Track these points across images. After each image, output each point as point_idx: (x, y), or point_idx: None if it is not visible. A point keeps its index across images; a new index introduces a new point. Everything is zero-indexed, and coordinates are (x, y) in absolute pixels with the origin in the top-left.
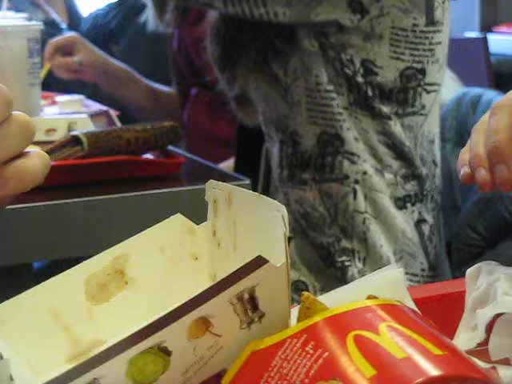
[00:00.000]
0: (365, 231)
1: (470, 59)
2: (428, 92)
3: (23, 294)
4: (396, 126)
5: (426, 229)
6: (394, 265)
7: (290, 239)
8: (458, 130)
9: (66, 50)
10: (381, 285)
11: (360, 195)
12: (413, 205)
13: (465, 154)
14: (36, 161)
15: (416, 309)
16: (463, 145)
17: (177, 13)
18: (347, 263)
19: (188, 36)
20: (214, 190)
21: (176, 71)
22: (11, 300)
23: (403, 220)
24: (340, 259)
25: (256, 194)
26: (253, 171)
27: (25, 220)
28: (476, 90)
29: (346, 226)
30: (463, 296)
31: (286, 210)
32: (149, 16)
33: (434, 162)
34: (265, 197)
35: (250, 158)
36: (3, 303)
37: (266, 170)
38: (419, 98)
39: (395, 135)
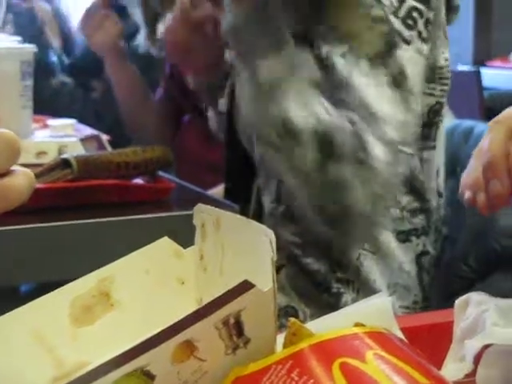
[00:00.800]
0: (358, 266)
1: (462, 92)
2: (442, 125)
3: (6, 315)
4: (413, 160)
5: (426, 261)
6: (383, 293)
7: (281, 267)
8: (450, 161)
9: None
10: (368, 313)
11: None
12: (418, 238)
13: (466, 179)
14: (21, 179)
15: (403, 337)
16: (455, 175)
17: None
18: (342, 290)
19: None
20: (202, 214)
21: (167, 96)
22: None
23: (403, 253)
24: (335, 285)
25: (244, 218)
26: (243, 196)
27: (12, 242)
28: (468, 122)
29: (341, 258)
30: (452, 326)
31: (273, 235)
32: (141, 38)
33: (439, 193)
34: (253, 221)
35: (240, 182)
36: None
37: (257, 196)
38: (438, 132)
39: (410, 169)
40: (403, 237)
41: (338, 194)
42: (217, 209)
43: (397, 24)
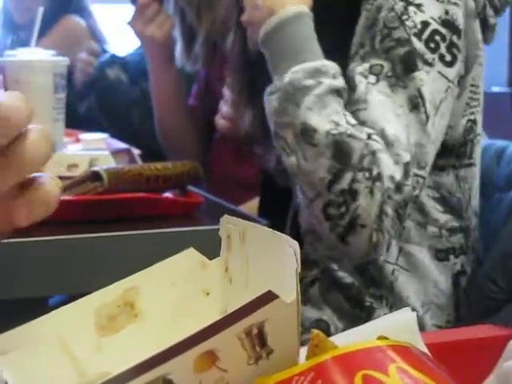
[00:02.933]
0: (392, 281)
1: (496, 113)
2: (478, 142)
3: (32, 322)
4: (448, 177)
5: (463, 280)
6: (408, 308)
7: (315, 280)
8: (481, 181)
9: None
10: (393, 327)
11: (394, 247)
12: (456, 257)
13: None
14: (55, 184)
15: (428, 352)
16: (487, 196)
17: (205, 50)
18: (374, 305)
19: (215, 75)
20: (228, 225)
21: (199, 110)
22: (20, 328)
23: (439, 272)
24: (368, 300)
25: (269, 229)
26: (278, 214)
27: (41, 254)
28: (501, 143)
29: (375, 274)
30: (478, 343)
31: (298, 246)
32: (177, 52)
33: (476, 213)
34: (278, 232)
35: (275, 200)
36: (11, 331)
37: (294, 215)
38: (474, 150)
39: (446, 187)
40: (441, 255)
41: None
42: (242, 220)
43: (419, 46)
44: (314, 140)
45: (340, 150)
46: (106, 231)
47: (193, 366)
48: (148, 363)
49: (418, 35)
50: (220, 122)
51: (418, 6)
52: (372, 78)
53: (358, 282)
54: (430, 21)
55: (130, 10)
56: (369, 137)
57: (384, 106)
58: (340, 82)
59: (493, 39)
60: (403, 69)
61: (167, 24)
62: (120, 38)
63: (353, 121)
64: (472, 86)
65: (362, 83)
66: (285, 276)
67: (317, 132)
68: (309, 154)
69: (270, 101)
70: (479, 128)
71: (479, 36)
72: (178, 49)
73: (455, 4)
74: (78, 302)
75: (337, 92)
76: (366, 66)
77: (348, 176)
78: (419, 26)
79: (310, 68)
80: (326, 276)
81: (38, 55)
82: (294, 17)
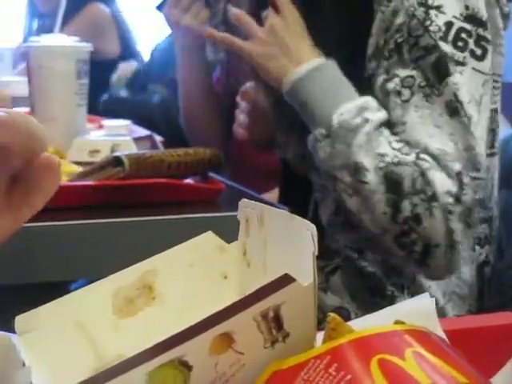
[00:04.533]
0: (414, 271)
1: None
2: (498, 132)
3: (50, 303)
4: None
5: (488, 271)
6: (426, 294)
7: (337, 268)
8: (504, 172)
9: None
10: (411, 313)
11: None
12: (482, 247)
13: None
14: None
15: (445, 338)
16: (510, 186)
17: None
18: (395, 294)
19: (235, 65)
20: (246, 209)
21: (221, 98)
22: (38, 309)
23: (464, 262)
24: (390, 289)
25: (287, 212)
26: (298, 206)
27: (61, 238)
28: None
29: (397, 264)
30: (497, 330)
31: (315, 230)
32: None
33: (497, 203)
34: (296, 216)
35: (296, 191)
36: (30, 312)
37: (315, 208)
38: (495, 139)
39: None
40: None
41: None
42: (260, 204)
43: (447, 49)
44: (367, 178)
45: (391, 181)
46: (127, 216)
47: (209, 348)
48: (164, 345)
49: (444, 38)
50: (239, 131)
51: (438, 7)
52: (406, 93)
53: (380, 271)
54: (453, 20)
55: None
56: (417, 157)
57: (423, 123)
58: (384, 114)
59: (507, 27)
60: (436, 76)
61: (204, 13)
62: (143, 24)
63: (398, 145)
64: (494, 74)
65: (397, 105)
66: (302, 259)
67: (367, 170)
68: (365, 192)
69: (320, 148)
70: (498, 117)
71: (500, 24)
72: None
73: None
74: (97, 284)
75: (383, 124)
76: (397, 80)
77: (406, 204)
78: (443, 29)
79: (354, 107)
80: (347, 265)
81: (61, 41)
82: (320, 65)
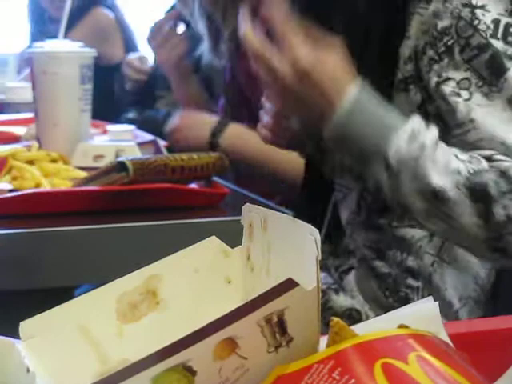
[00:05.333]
0: (431, 273)
1: None
2: None
3: (55, 309)
4: None
5: (505, 276)
6: (430, 298)
7: (351, 269)
8: None
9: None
10: (416, 317)
11: (437, 239)
12: None
13: None
14: None
15: (450, 342)
16: None
17: (231, 45)
18: (410, 296)
19: (240, 68)
20: (250, 213)
21: (227, 106)
22: (42, 314)
23: (482, 266)
24: (404, 290)
25: (290, 217)
26: (318, 205)
27: (66, 243)
28: None
29: (413, 264)
30: (505, 333)
31: (318, 234)
32: (204, 48)
33: None
34: (299, 220)
35: (315, 190)
36: (34, 317)
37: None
38: None
39: None
40: None
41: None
42: (264, 208)
43: (499, 45)
44: (449, 198)
45: (475, 192)
46: (131, 221)
47: (213, 353)
48: (168, 350)
49: (495, 35)
50: (262, 132)
51: (483, 6)
52: (465, 94)
53: (395, 272)
54: (499, 17)
55: (155, 3)
56: (490, 159)
57: (492, 117)
58: (435, 130)
59: None
60: (492, 74)
61: (181, 46)
62: (146, 29)
63: (464, 156)
64: None
65: (459, 104)
66: (306, 264)
67: (447, 190)
68: (451, 212)
69: (385, 185)
70: None
71: None
72: (206, 46)
73: None
74: (100, 289)
75: (438, 141)
76: (453, 83)
77: (498, 208)
78: (492, 26)
79: (406, 136)
80: (362, 265)
81: (65, 46)
82: (360, 93)
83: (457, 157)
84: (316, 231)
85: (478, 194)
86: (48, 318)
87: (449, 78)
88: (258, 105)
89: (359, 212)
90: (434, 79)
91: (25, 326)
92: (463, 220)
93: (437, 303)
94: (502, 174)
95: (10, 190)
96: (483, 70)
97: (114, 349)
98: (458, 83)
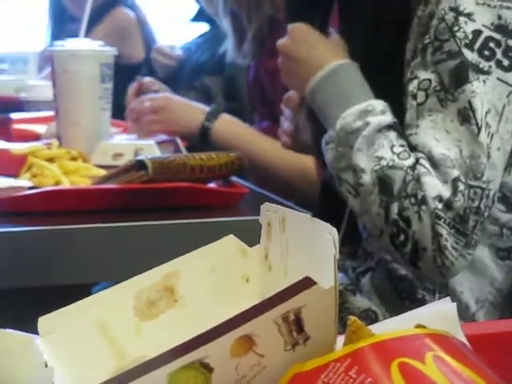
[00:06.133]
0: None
1: None
2: None
3: (72, 305)
4: (510, 176)
5: None
6: (448, 299)
7: (367, 270)
8: None
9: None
10: (432, 317)
11: None
12: None
13: None
14: None
15: (467, 343)
16: None
17: (255, 44)
18: (426, 298)
19: (263, 67)
20: (268, 212)
21: (249, 103)
22: (60, 311)
23: (499, 270)
24: (420, 292)
25: (309, 216)
26: (336, 208)
27: (84, 241)
28: None
29: None
30: None
31: (337, 234)
32: (228, 47)
33: None
34: (317, 219)
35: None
36: (52, 313)
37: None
38: None
39: (508, 186)
40: (503, 254)
41: None
42: (282, 207)
43: (471, 56)
44: (363, 180)
45: (383, 183)
46: (150, 220)
47: (230, 350)
48: (185, 346)
49: (470, 46)
50: (283, 138)
51: (469, 15)
52: (421, 96)
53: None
54: (482, 28)
55: (175, 3)
56: (416, 161)
57: (434, 128)
58: (389, 117)
59: None
60: (453, 82)
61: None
62: (168, 29)
63: (399, 149)
64: None
65: (412, 108)
66: (323, 263)
67: (364, 172)
68: (362, 194)
69: (327, 150)
70: None
71: None
72: (230, 45)
73: (508, 8)
74: (119, 286)
75: (387, 128)
76: (416, 82)
77: (395, 206)
78: (470, 36)
79: (356, 110)
80: (379, 267)
81: (85, 45)
82: (338, 68)
83: (392, 147)
84: (334, 230)
85: (385, 186)
86: (66, 314)
87: (415, 77)
88: (280, 104)
89: None
90: (408, 75)
91: (43, 321)
92: (370, 205)
93: (454, 304)
94: (416, 177)
95: (30, 188)
96: (446, 76)
97: (132, 345)
98: (419, 83)
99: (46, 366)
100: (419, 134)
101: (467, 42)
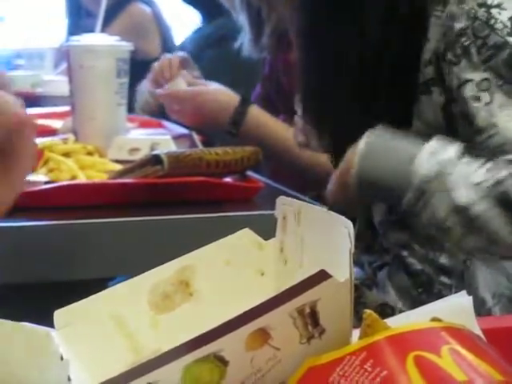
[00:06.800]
0: (463, 270)
1: None
2: None
3: (88, 298)
4: None
5: None
6: (464, 293)
7: (384, 265)
8: None
9: None
10: (448, 310)
11: None
12: None
13: None
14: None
15: (482, 336)
16: None
17: (273, 38)
18: (444, 293)
19: (280, 60)
20: (284, 206)
21: (263, 95)
22: (76, 304)
23: None
24: (437, 287)
25: (324, 209)
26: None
27: (100, 236)
28: None
29: (446, 262)
30: None
31: (352, 227)
32: (244, 41)
33: None
34: (333, 213)
35: None
36: (67, 307)
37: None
38: None
39: None
40: None
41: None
42: (298, 200)
43: None
44: (475, 212)
45: (500, 202)
46: (166, 214)
47: (245, 344)
48: (200, 340)
49: (511, 33)
50: (298, 136)
51: (498, 5)
52: (485, 96)
53: (428, 270)
54: None
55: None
56: (509, 165)
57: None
58: (455, 147)
59: None
60: (511, 72)
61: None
62: (183, 24)
63: (487, 165)
64: None
65: (480, 110)
66: (339, 256)
67: (472, 204)
68: (481, 225)
69: (417, 214)
70: None
71: None
72: (246, 38)
73: None
74: (134, 279)
75: (461, 155)
76: (472, 85)
77: None
78: (509, 24)
79: (424, 157)
80: (396, 262)
81: (101, 40)
82: (368, 144)
83: (479, 168)
84: (350, 223)
85: (503, 202)
86: (82, 307)
87: (468, 80)
88: (295, 99)
89: (391, 212)
90: (455, 82)
91: (59, 315)
92: (497, 231)
93: (470, 297)
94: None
95: (46, 182)
96: (502, 69)
97: (148, 339)
98: (477, 85)
99: (62, 358)
100: (501, 132)
101: (508, 30)
